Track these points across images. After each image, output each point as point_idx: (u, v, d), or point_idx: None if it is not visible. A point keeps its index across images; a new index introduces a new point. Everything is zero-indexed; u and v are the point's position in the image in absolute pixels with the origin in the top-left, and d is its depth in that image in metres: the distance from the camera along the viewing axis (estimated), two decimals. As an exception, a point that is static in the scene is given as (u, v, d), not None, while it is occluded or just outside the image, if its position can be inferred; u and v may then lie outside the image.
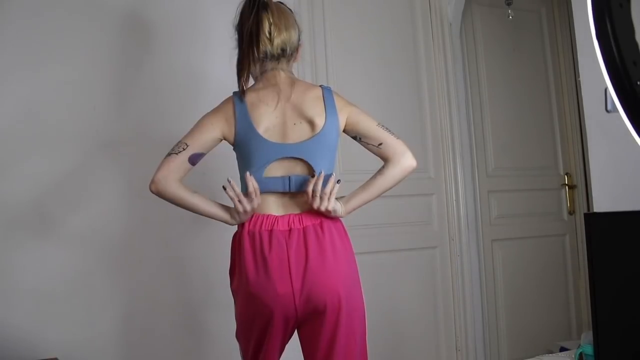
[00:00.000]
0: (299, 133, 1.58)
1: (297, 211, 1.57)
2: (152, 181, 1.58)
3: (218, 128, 1.58)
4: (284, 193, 1.57)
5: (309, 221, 1.56)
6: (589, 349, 1.69)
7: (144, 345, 2.22)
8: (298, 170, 1.58)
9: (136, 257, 2.23)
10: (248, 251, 1.54)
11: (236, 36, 1.64)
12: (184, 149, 1.56)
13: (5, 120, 2.09)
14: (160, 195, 1.59)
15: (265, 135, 1.55)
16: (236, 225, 1.61)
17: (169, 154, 1.57)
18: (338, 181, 1.58)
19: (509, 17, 3.14)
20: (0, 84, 2.08)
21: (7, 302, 2.02)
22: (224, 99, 1.64)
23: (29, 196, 2.10)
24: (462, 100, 2.99)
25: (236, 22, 1.64)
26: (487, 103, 3.13)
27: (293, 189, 1.56)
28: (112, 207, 2.22)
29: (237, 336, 1.66)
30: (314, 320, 1.56)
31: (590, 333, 1.56)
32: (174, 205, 2.29)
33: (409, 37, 2.93)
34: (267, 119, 1.57)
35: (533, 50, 3.29)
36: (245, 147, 1.57)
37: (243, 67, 1.59)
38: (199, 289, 2.32)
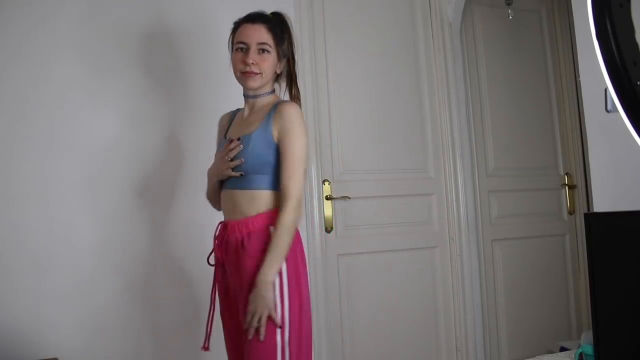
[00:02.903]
0: None
1: None
2: (300, 208, 1.59)
3: None
4: None
5: None
6: (589, 349, 1.69)
7: (144, 345, 2.22)
8: None
9: (136, 257, 2.23)
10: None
11: (291, 48, 1.72)
12: None
13: (6, 120, 2.09)
14: (298, 222, 1.60)
15: None
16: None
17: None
18: None
19: (509, 17, 3.14)
20: (0, 82, 2.08)
21: (7, 302, 2.02)
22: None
23: (29, 196, 2.10)
24: (462, 100, 2.99)
25: (290, 36, 1.72)
26: (487, 103, 3.13)
27: None
28: (113, 207, 2.22)
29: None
30: None
31: (590, 333, 1.56)
32: (173, 205, 2.31)
33: (409, 37, 2.93)
34: None
35: (533, 50, 3.28)
36: None
37: None
38: (199, 288, 2.31)
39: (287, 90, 1.76)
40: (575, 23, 2.16)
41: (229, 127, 1.77)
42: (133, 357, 2.21)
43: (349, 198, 2.67)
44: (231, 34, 1.73)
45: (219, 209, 1.77)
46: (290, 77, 1.73)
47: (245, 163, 1.60)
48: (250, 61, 1.61)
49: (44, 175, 2.13)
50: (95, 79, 2.23)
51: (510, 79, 3.19)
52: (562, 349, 2.45)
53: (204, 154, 2.35)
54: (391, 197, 2.80)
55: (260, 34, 1.63)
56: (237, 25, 1.70)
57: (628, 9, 0.97)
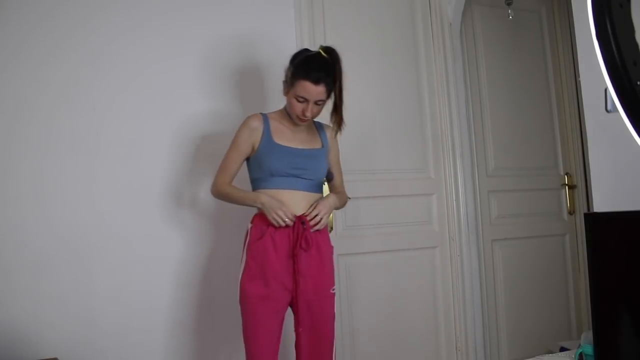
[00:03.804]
0: None
1: None
2: None
3: None
4: None
5: None
6: (589, 349, 1.69)
7: (144, 345, 2.22)
8: None
9: (136, 257, 2.24)
10: None
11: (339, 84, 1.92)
12: None
13: (6, 120, 2.09)
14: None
15: None
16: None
17: None
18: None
19: (509, 17, 3.13)
20: (0, 82, 2.09)
21: (6, 302, 2.03)
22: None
23: (28, 197, 2.10)
24: (462, 100, 2.99)
25: (340, 76, 1.92)
26: (487, 103, 3.13)
27: None
28: (112, 207, 2.22)
29: None
30: None
31: (590, 333, 1.56)
32: (174, 206, 2.33)
33: (409, 37, 2.93)
34: None
35: (533, 50, 3.28)
36: None
37: None
38: (200, 289, 2.32)
39: (333, 115, 1.97)
40: (575, 23, 2.16)
41: (265, 131, 1.93)
42: (133, 357, 2.21)
43: (349, 198, 2.67)
44: (292, 76, 1.88)
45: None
46: (335, 105, 1.95)
47: (320, 172, 1.98)
48: (309, 114, 1.88)
49: (43, 176, 2.13)
50: (95, 79, 2.24)
51: (510, 79, 3.19)
52: (562, 349, 2.45)
53: (211, 158, 2.36)
54: (391, 197, 2.80)
55: (319, 94, 1.86)
56: (298, 75, 1.86)
57: (628, 9, 0.97)
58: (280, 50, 2.58)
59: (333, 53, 1.92)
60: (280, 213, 1.84)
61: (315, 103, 1.88)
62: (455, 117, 2.94)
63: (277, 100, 2.12)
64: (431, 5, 2.99)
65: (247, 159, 1.97)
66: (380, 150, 2.79)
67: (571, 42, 3.26)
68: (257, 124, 1.93)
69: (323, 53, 1.92)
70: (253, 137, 1.92)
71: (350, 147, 2.72)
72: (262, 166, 1.91)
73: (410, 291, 2.80)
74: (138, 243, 2.24)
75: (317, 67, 1.86)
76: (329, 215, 1.97)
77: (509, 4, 3.14)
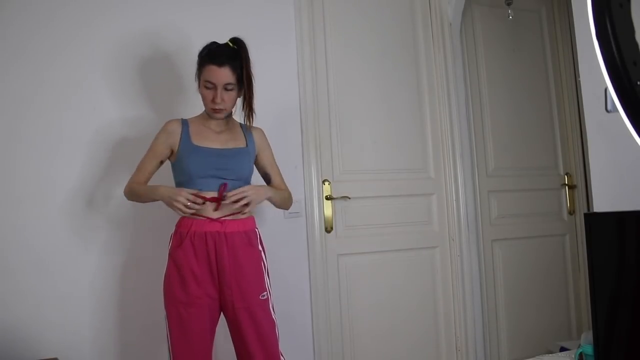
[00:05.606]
0: None
1: None
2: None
3: None
4: None
5: None
6: (589, 349, 1.69)
7: (144, 345, 2.22)
8: None
9: (136, 256, 2.24)
10: None
11: (247, 73, 1.89)
12: None
13: (7, 120, 2.09)
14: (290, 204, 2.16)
15: None
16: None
17: None
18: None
19: (509, 17, 3.14)
20: (0, 83, 2.09)
21: (8, 302, 2.03)
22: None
23: (30, 197, 2.10)
24: (462, 100, 2.99)
25: (248, 64, 1.89)
26: (487, 103, 3.13)
27: None
28: (112, 207, 2.22)
29: None
30: None
31: (590, 333, 1.56)
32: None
33: (409, 37, 2.93)
34: None
35: (533, 50, 3.28)
36: None
37: None
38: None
39: (244, 107, 1.94)
40: (575, 23, 2.16)
41: (183, 134, 1.91)
42: (133, 357, 2.21)
43: (349, 198, 2.67)
44: (198, 66, 1.90)
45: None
46: (244, 97, 1.93)
47: (243, 171, 1.93)
48: (219, 100, 1.87)
49: (45, 176, 2.13)
50: (97, 79, 2.24)
51: (510, 79, 3.19)
52: (562, 349, 2.45)
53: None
54: (391, 197, 2.81)
55: (226, 76, 1.85)
56: (204, 61, 1.87)
57: (628, 9, 0.97)
58: (280, 50, 2.59)
59: (240, 42, 1.90)
60: (181, 199, 1.78)
61: (225, 88, 1.86)
62: (455, 117, 2.94)
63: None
64: (431, 5, 2.99)
65: (172, 165, 1.95)
66: (380, 150, 2.80)
67: (571, 42, 3.26)
68: (175, 128, 1.92)
69: (230, 44, 1.90)
70: (170, 140, 1.91)
71: (350, 147, 2.72)
72: (183, 169, 1.88)
73: (410, 291, 2.80)
74: (138, 243, 2.24)
75: (220, 52, 1.87)
76: (257, 200, 1.89)
77: (509, 4, 3.14)
